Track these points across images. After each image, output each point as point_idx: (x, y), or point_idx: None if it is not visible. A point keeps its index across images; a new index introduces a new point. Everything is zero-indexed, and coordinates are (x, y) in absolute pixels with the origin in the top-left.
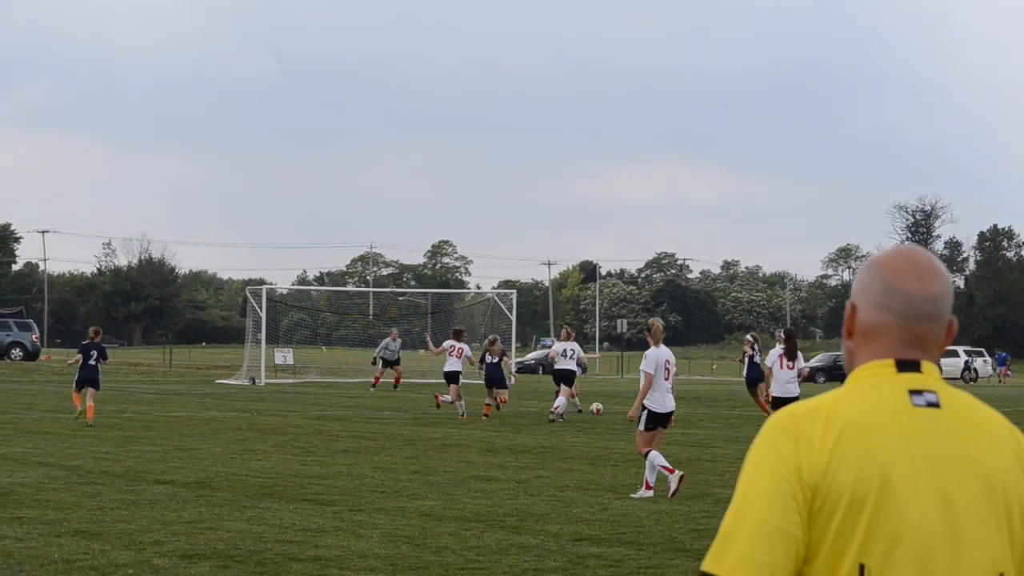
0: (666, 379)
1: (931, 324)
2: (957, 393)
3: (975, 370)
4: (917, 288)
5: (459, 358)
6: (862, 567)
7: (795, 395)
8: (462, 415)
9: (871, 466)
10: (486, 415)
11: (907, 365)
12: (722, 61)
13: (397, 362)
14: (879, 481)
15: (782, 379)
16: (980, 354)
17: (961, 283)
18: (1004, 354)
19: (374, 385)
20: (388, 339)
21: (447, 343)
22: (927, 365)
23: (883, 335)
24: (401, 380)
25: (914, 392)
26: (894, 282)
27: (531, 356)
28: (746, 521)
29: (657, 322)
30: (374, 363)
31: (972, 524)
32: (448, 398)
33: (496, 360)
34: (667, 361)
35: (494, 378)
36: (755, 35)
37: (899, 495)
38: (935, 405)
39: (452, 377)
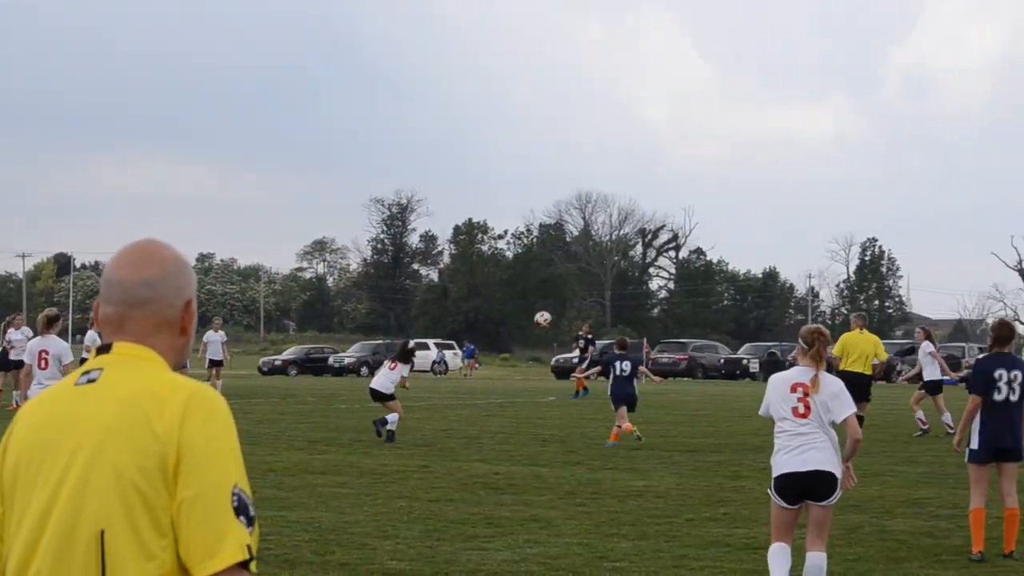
0: (42, 367)
1: (149, 307)
2: (132, 368)
3: (445, 363)
4: (130, 275)
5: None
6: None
7: (389, 392)
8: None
9: (13, 450)
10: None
11: (102, 349)
12: (205, 50)
13: None
14: (14, 463)
15: (382, 376)
16: (450, 347)
17: (436, 276)
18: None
19: None
20: None
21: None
22: (121, 345)
23: (108, 324)
24: None
25: (85, 373)
26: (112, 273)
27: None
28: None
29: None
30: None
31: (80, 488)
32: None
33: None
34: (43, 351)
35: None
36: (234, 26)
37: (27, 473)
38: (93, 381)
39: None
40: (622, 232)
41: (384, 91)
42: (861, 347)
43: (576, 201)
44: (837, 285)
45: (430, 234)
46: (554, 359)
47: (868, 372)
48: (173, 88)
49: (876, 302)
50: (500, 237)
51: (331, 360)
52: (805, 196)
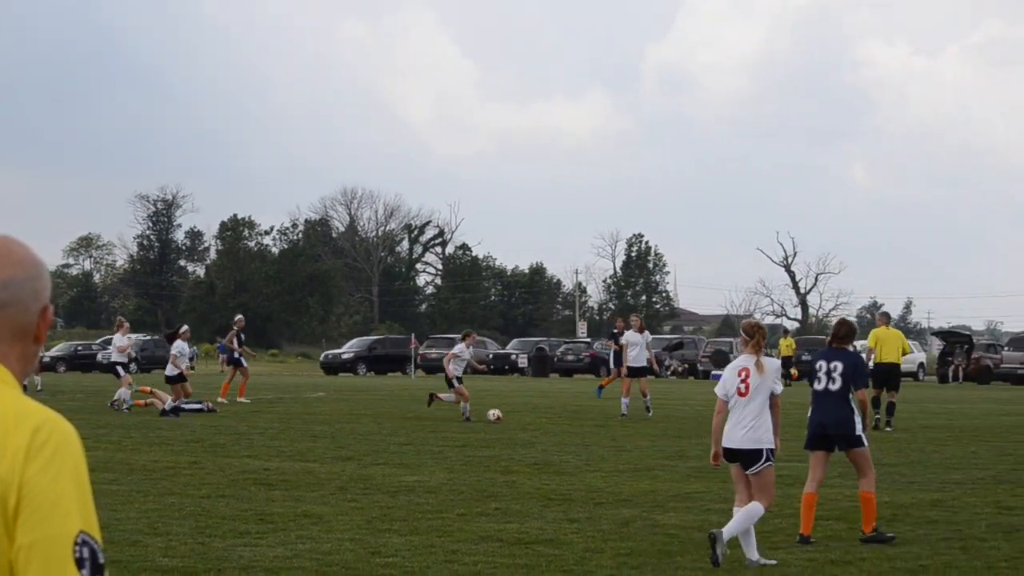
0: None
1: (5, 312)
2: None
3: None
4: None
5: None
6: None
7: (175, 374)
8: None
9: None
10: None
11: None
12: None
13: None
14: None
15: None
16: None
17: (203, 273)
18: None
19: None
20: None
21: None
22: None
23: None
24: None
25: None
26: None
27: None
28: None
29: None
30: None
31: None
32: None
33: None
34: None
35: None
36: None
37: None
38: None
39: None
40: (388, 228)
41: (145, 86)
42: (891, 340)
43: (342, 197)
44: (604, 281)
45: (196, 230)
46: (323, 355)
47: (899, 362)
48: None
49: (643, 297)
50: (266, 233)
51: (99, 357)
52: (570, 192)
